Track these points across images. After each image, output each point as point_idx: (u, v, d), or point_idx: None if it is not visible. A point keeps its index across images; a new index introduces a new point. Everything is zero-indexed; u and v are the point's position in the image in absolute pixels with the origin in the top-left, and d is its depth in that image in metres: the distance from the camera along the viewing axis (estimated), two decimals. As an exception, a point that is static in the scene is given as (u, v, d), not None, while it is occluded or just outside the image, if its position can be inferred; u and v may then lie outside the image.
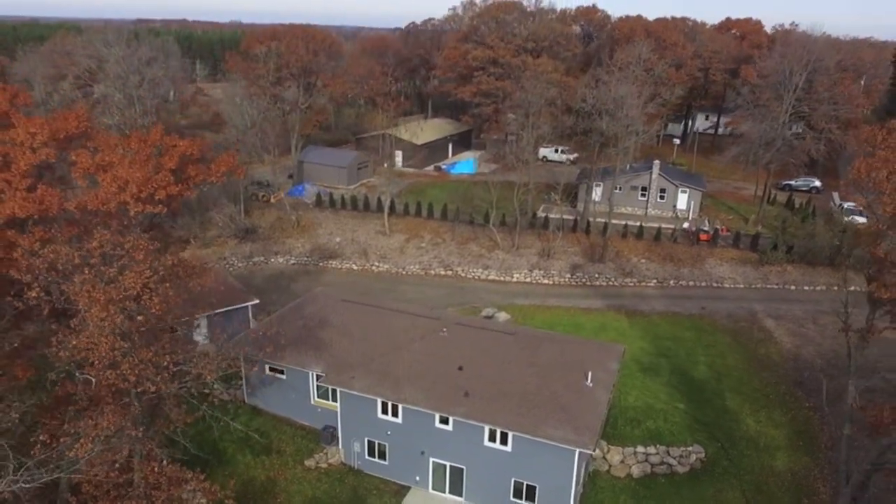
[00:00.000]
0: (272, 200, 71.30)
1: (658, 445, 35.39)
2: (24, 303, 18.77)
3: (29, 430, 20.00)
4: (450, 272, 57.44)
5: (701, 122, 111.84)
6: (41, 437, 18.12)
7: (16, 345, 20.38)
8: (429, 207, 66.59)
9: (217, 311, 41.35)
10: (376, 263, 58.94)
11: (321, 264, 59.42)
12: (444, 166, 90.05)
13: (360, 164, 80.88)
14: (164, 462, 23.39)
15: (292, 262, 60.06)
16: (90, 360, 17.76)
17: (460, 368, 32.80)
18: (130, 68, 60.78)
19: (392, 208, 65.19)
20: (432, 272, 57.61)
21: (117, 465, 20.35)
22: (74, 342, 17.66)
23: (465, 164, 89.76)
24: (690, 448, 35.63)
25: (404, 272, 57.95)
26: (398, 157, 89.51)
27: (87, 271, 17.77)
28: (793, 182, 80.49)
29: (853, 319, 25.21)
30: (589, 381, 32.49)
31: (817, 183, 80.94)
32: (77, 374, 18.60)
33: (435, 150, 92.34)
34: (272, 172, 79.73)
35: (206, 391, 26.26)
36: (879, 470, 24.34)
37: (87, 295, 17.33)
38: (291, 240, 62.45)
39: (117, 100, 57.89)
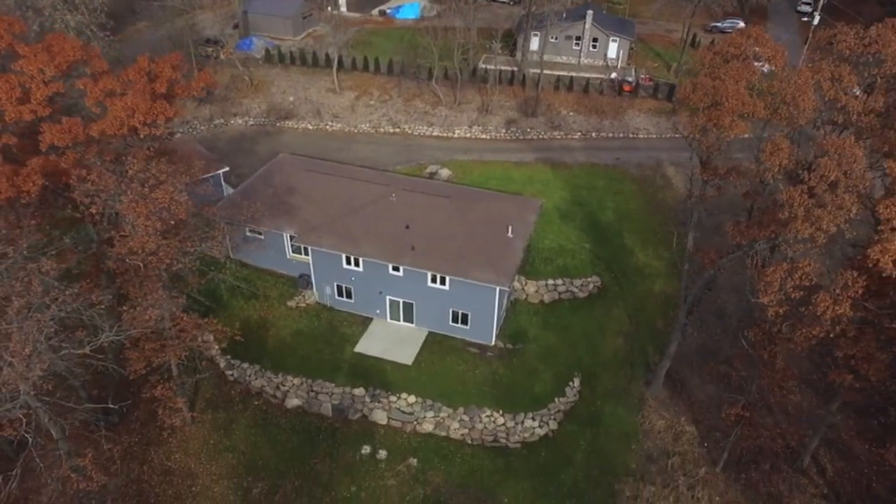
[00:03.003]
0: (222, 56, 73.07)
1: (565, 278, 45.34)
2: (82, 215, 25.08)
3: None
4: (398, 130, 63.23)
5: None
6: (124, 307, 25.67)
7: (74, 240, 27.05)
8: (375, 62, 69.98)
9: (194, 180, 47.26)
10: (330, 123, 64.01)
11: (278, 125, 64.15)
12: (388, 10, 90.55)
13: (304, 12, 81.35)
14: (186, 313, 31.48)
15: (251, 123, 64.51)
16: (137, 251, 24.70)
17: (407, 227, 40.75)
18: None
19: (340, 63, 68.41)
20: (382, 130, 63.29)
21: (158, 319, 28.16)
22: (131, 243, 24.48)
23: (409, 7, 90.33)
24: (590, 279, 45.75)
25: (356, 131, 63.46)
26: (342, 2, 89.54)
27: (129, 192, 23.98)
28: (718, 24, 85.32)
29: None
30: (510, 232, 41.00)
31: (741, 25, 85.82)
32: (127, 260, 25.54)
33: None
34: (216, 21, 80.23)
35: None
36: (707, 293, 34.38)
37: (133, 209, 23.69)
38: (248, 100, 66.16)
39: (43, 3, 56.17)
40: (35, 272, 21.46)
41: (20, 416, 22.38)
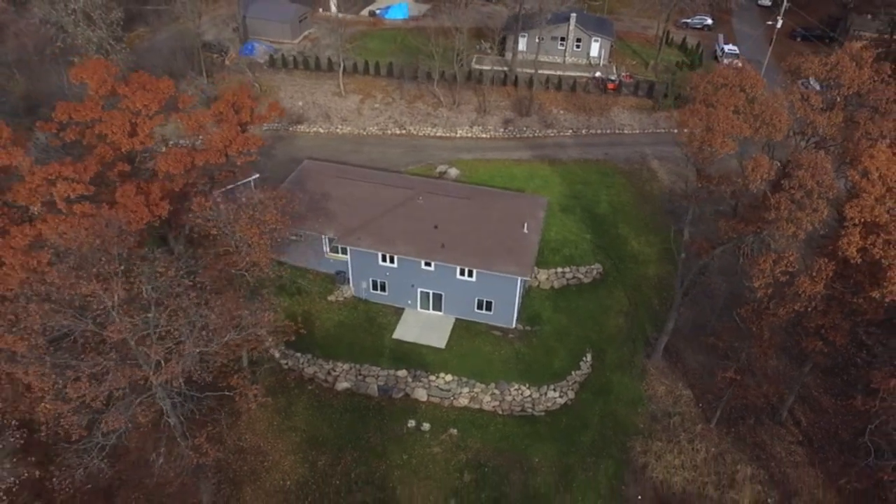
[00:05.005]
0: (227, 63, 76.36)
1: (571, 266, 51.21)
2: (199, 235, 29.64)
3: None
4: (404, 131, 67.93)
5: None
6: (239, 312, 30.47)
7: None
8: (376, 65, 74.25)
9: (230, 186, 51.50)
10: (339, 126, 68.33)
11: (291, 129, 68.16)
12: (378, 11, 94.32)
13: (301, 16, 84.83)
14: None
15: (265, 128, 68.03)
16: (243, 264, 29.44)
17: (436, 227, 45.97)
18: None
19: (340, 66, 72.26)
20: (389, 132, 67.91)
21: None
22: (247, 258, 29.13)
23: (397, 8, 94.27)
24: (593, 266, 51.71)
25: (365, 133, 67.93)
26: (332, 2, 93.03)
27: (243, 217, 28.62)
28: (688, 20, 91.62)
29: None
30: (525, 228, 46.53)
31: (709, 21, 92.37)
32: (234, 271, 30.11)
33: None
34: (214, 26, 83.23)
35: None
36: (701, 278, 40.58)
37: (249, 230, 28.38)
38: (259, 106, 69.74)
39: (66, 21, 58.86)
40: (193, 287, 26.10)
41: (163, 405, 27.12)
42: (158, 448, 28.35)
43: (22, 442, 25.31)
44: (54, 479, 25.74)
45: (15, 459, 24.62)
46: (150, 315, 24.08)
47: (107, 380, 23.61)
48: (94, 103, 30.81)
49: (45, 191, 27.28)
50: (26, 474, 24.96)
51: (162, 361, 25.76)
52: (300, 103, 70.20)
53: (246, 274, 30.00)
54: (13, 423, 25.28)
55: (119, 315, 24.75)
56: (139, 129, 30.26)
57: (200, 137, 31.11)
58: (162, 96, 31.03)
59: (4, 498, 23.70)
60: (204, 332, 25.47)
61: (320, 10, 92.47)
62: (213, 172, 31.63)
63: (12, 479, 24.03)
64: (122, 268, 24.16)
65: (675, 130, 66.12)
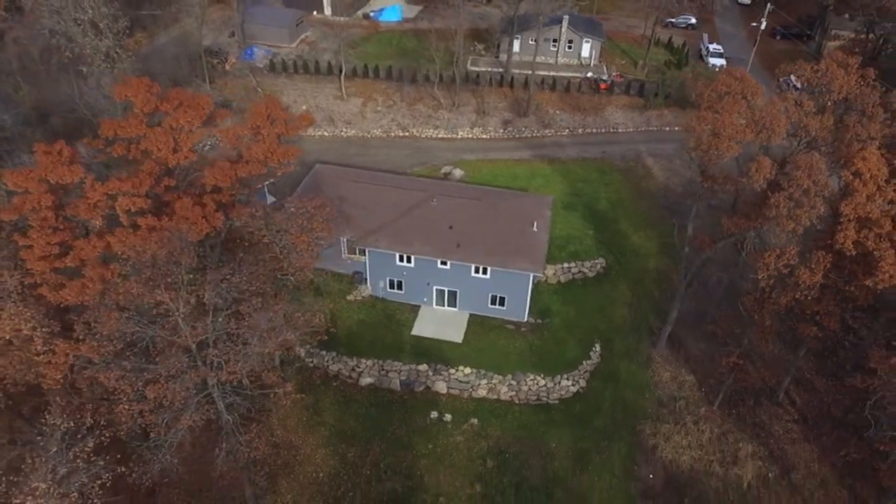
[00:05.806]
0: (227, 68, 77.58)
1: (576, 261, 53.86)
2: (250, 243, 31.62)
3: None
4: (407, 133, 69.96)
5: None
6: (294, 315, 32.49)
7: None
8: (375, 69, 76.05)
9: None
10: (344, 129, 70.14)
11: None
12: (371, 14, 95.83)
13: (298, 21, 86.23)
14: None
15: (270, 132, 69.86)
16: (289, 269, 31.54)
17: (450, 227, 48.24)
18: None
19: (341, 70, 74.01)
20: (393, 134, 69.90)
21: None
22: (297, 263, 31.11)
23: (391, 10, 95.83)
24: (596, 261, 54.41)
25: (369, 136, 69.84)
26: (326, 5, 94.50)
27: (294, 225, 30.59)
28: (673, 20, 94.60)
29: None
30: (534, 227, 49.00)
31: (693, 20, 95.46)
32: (278, 276, 32.10)
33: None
34: (211, 31, 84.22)
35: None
36: (702, 270, 43.44)
37: (299, 238, 30.57)
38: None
39: (74, 31, 59.67)
40: (256, 293, 28.12)
41: (219, 403, 29.10)
42: (219, 444, 30.31)
43: (108, 441, 27.21)
44: (133, 475, 27.76)
45: (107, 457, 26.46)
46: (218, 320, 26.04)
47: (179, 380, 25.59)
48: (139, 120, 32.46)
49: (105, 205, 29.06)
50: (117, 470, 26.87)
51: (223, 363, 27.75)
52: (304, 107, 71.79)
53: (292, 278, 32.10)
54: (101, 422, 27.17)
55: (185, 322, 26.68)
56: (181, 145, 32.04)
57: (236, 149, 32.93)
58: (202, 112, 32.83)
59: (101, 492, 25.63)
60: (264, 335, 27.51)
61: (314, 13, 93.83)
62: (250, 183, 33.57)
63: (107, 475, 25.91)
64: (190, 276, 26.12)
65: (668, 128, 70.39)
